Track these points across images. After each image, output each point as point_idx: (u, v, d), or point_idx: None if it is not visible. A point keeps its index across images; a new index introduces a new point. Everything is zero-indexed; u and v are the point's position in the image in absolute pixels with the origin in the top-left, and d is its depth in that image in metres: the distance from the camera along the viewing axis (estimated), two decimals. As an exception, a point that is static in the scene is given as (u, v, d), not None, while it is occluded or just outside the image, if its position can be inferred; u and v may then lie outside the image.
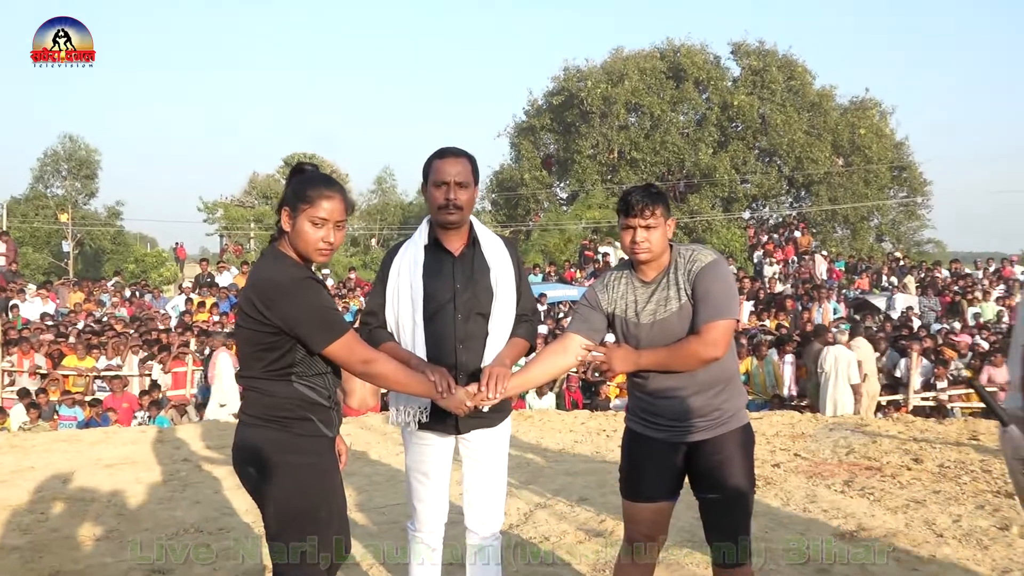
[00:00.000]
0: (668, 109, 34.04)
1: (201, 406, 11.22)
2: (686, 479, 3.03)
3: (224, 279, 18.73)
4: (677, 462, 2.98)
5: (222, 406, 11.16)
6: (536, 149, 36.74)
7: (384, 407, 11.39)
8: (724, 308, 2.81)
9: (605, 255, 22.75)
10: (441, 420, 3.02)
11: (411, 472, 3.12)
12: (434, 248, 3.09)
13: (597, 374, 12.19)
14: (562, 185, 37.39)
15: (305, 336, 2.48)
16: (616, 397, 12.32)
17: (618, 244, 24.80)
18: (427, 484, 3.09)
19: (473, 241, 3.12)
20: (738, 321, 2.96)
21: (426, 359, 2.96)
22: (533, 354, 3.23)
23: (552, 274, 23.13)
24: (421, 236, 3.12)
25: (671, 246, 2.97)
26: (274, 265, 2.54)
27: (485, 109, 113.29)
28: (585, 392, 12.45)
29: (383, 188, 46.33)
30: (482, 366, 2.98)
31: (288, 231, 2.58)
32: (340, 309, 2.56)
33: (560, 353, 3.03)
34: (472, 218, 3.14)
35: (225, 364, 11.36)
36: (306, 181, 2.58)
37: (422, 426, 3.05)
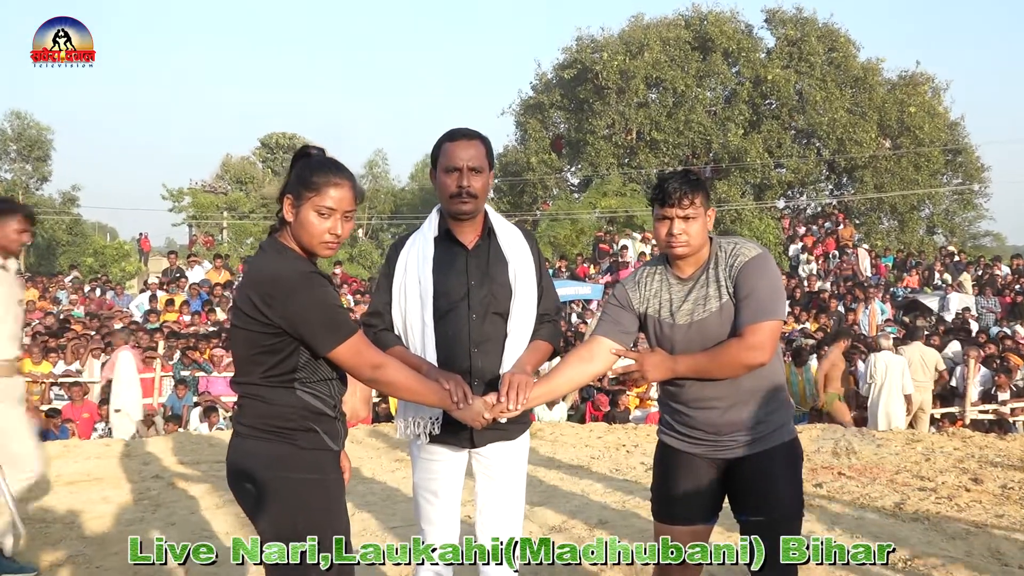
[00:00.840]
0: (693, 84, 34.05)
1: (171, 418, 11.27)
2: (726, 500, 3.06)
3: (195, 274, 18.79)
4: (716, 480, 3.01)
5: (117, 411, 11.14)
6: (544, 129, 36.75)
7: (376, 419, 11.44)
8: (770, 308, 2.84)
9: (623, 248, 22.74)
10: (454, 433, 3.04)
11: (419, 491, 3.15)
12: (445, 240, 3.11)
13: (614, 381, 12.19)
14: (573, 170, 37.42)
15: (310, 337, 2.50)
16: (637, 408, 12.37)
17: (636, 235, 24.91)
18: (436, 504, 3.12)
19: (488, 232, 3.14)
20: (785, 322, 2.98)
21: (436, 364, 2.99)
22: (556, 359, 3.25)
23: (563, 269, 23.17)
24: (430, 227, 3.14)
25: (711, 239, 3.00)
26: (275, 259, 2.56)
27: (487, 84, 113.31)
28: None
29: (374, 173, 46.42)
30: (500, 372, 3.00)
31: (291, 221, 2.60)
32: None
33: (587, 359, 3.06)
34: (487, 207, 3.16)
35: (126, 364, 11.26)
36: (312, 166, 2.60)
37: (433, 439, 3.08)
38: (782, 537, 2.84)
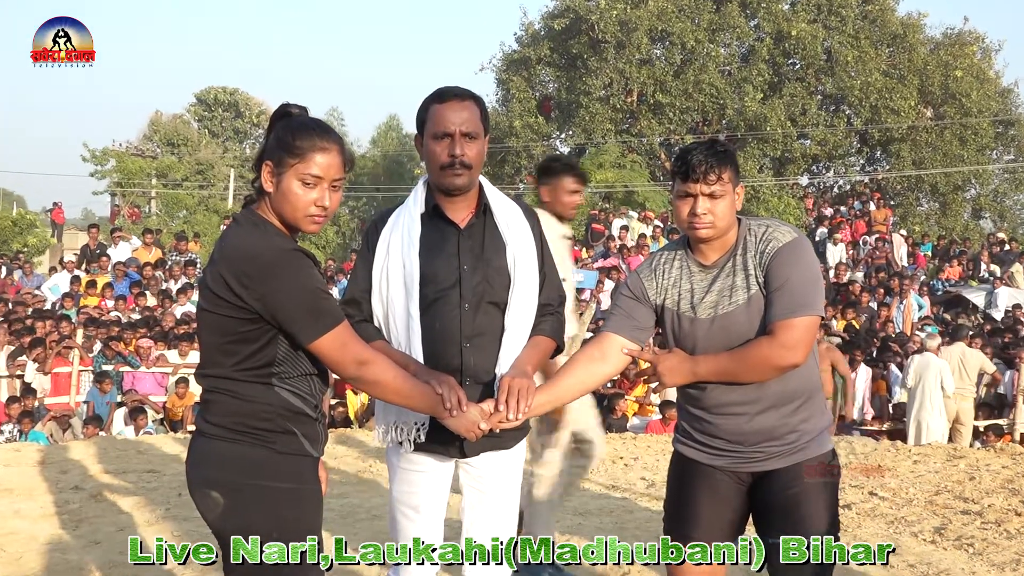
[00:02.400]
0: (705, 39, 34.09)
1: (91, 419, 11.23)
2: (750, 519, 3.12)
3: (120, 251, 18.67)
4: (740, 497, 3.06)
5: None
6: (530, 88, 36.71)
7: (333, 424, 11.45)
8: (806, 301, 2.88)
9: (621, 229, 22.81)
10: (442, 441, 3.07)
11: (397, 505, 3.18)
12: (433, 218, 3.13)
13: (609, 385, 12.21)
14: (564, 136, 37.42)
15: (289, 324, 2.53)
16: (635, 415, 12.46)
17: (636, 215, 24.92)
18: (417, 520, 3.15)
19: (484, 209, 3.16)
20: (823, 318, 3.03)
21: (423, 362, 3.02)
22: (560, 356, 3.29)
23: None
24: (416, 203, 3.16)
25: (739, 221, 3.04)
26: (253, 234, 2.58)
27: (464, 34, 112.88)
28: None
29: (328, 136, 46.27)
30: (496, 371, 3.04)
31: (270, 192, 2.63)
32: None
33: (598, 359, 3.10)
34: (482, 179, 3.19)
35: None
36: (294, 128, 2.63)
37: (418, 447, 3.11)
38: (782, 537, 2.92)
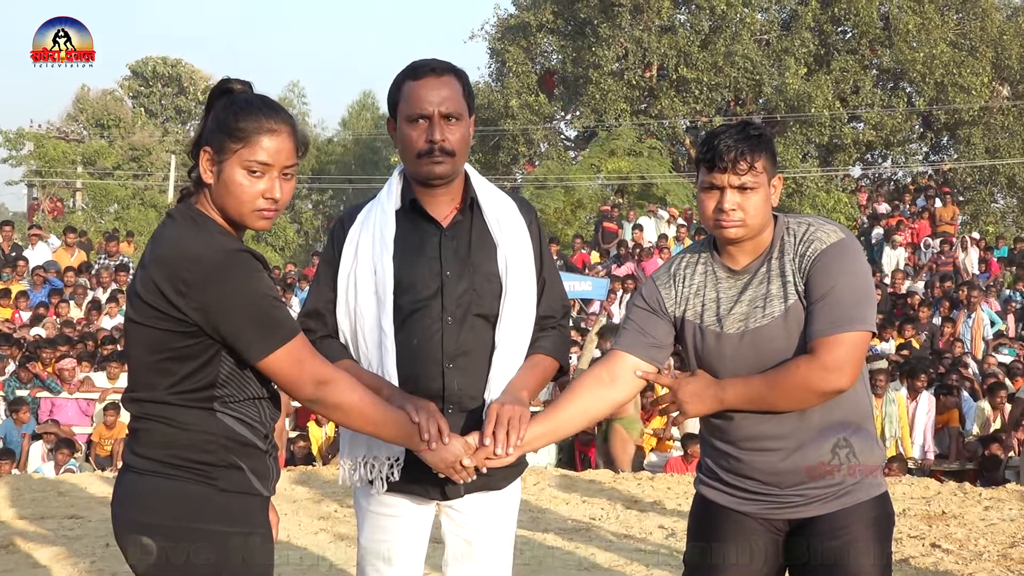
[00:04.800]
0: (738, 3, 34.18)
1: (3, 454, 11.20)
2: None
3: (38, 253, 18.67)
4: (775, 549, 3.07)
5: None
6: (530, 61, 36.80)
7: (292, 460, 11.45)
8: (854, 314, 2.89)
9: (636, 228, 22.82)
10: (420, 479, 3.07)
11: (367, 556, 3.18)
12: (411, 215, 3.15)
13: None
14: (570, 118, 37.48)
15: (237, 339, 2.55)
16: (652, 451, 12.45)
17: (663, 213, 24.94)
18: (389, 575, 3.14)
19: (471, 204, 3.18)
20: (874, 335, 3.04)
21: (398, 385, 3.02)
22: (565, 378, 3.29)
23: (554, 256, 23.18)
24: (390, 196, 3.18)
25: (775, 219, 3.05)
26: (192, 233, 2.60)
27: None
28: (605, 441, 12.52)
29: (287, 116, 46.40)
30: (485, 397, 3.04)
31: (210, 183, 2.64)
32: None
33: (606, 382, 3.10)
34: (468, 168, 3.21)
35: None
36: (236, 108, 2.64)
37: (391, 487, 3.10)
38: None
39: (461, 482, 2.97)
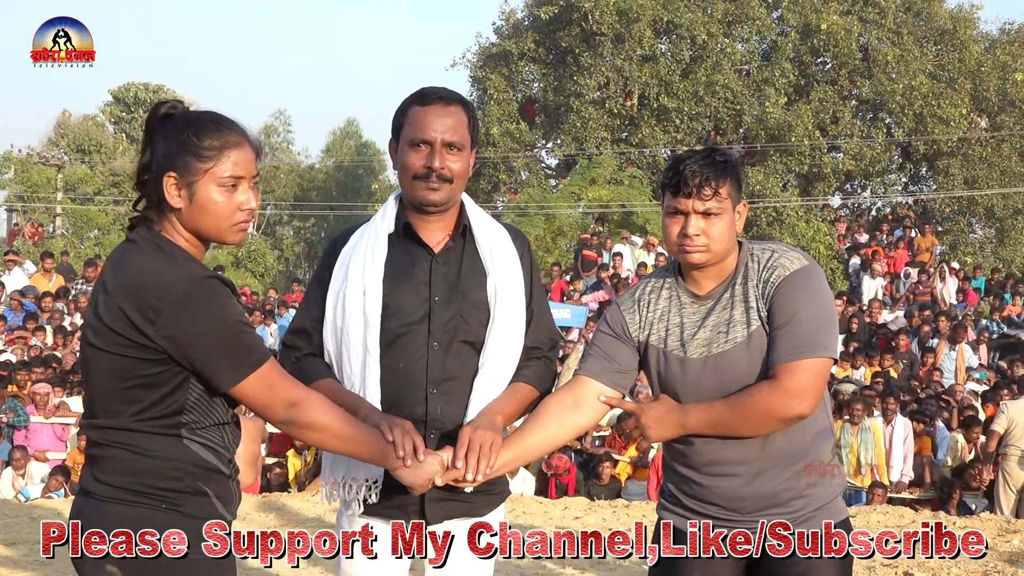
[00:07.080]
0: (719, 33, 34.32)
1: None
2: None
3: (14, 279, 18.62)
4: (737, 574, 3.06)
5: None
6: (511, 88, 36.86)
7: (267, 487, 11.39)
8: (816, 340, 2.91)
9: (616, 256, 22.87)
10: (397, 503, 3.07)
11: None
12: (403, 239, 3.17)
13: (599, 441, 12.17)
14: (551, 146, 37.55)
15: (208, 366, 2.54)
16: (629, 479, 12.43)
17: (637, 240, 24.97)
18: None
19: (463, 231, 3.20)
20: (835, 361, 3.05)
21: (380, 407, 3.03)
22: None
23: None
24: (384, 220, 3.20)
25: (740, 245, 3.07)
26: (159, 260, 2.59)
27: (434, 23, 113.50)
28: (581, 469, 12.50)
29: (272, 143, 46.34)
30: (465, 422, 3.04)
31: (179, 207, 2.64)
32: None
33: (571, 407, 3.11)
34: (465, 197, 3.23)
35: None
36: (196, 127, 2.65)
37: (369, 509, 3.10)
38: None
39: (432, 498, 2.99)
